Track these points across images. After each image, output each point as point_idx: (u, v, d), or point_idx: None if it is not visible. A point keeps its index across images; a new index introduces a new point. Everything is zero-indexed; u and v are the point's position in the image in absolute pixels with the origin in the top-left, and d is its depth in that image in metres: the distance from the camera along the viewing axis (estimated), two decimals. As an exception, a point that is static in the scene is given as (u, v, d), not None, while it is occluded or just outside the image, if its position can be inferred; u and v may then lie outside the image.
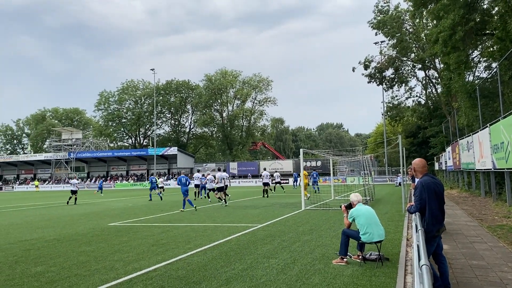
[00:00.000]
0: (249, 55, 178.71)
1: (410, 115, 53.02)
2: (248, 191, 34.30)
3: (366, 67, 47.27)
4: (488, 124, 15.64)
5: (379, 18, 43.84)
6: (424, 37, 40.68)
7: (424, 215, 4.93)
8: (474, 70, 32.81)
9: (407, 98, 51.63)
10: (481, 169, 17.82)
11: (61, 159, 70.72)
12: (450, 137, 32.43)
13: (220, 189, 19.89)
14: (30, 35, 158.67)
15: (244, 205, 19.35)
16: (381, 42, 48.27)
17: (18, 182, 74.14)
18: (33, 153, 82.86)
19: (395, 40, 44.32)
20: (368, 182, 20.98)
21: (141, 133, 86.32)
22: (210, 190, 20.85)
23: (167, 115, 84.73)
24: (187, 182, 17.63)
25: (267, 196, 25.09)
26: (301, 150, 17.26)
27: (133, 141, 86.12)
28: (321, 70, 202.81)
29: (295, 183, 40.02)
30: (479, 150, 17.67)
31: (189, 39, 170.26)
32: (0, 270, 6.85)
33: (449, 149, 30.60)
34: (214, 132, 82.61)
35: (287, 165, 61.66)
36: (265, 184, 25.68)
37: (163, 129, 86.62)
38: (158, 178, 37.12)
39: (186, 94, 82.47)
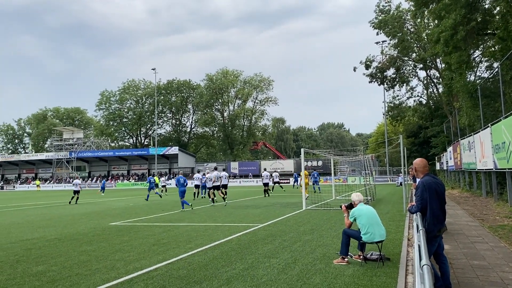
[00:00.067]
0: (249, 55, 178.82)
1: (411, 115, 52.98)
2: (249, 191, 34.31)
3: (367, 66, 47.24)
4: (489, 124, 15.62)
5: (380, 17, 43.82)
6: (426, 37, 40.67)
7: (425, 215, 4.93)
8: (475, 70, 32.77)
9: (408, 98, 51.65)
10: (483, 169, 17.80)
11: (62, 159, 70.82)
12: (451, 137, 32.39)
13: (216, 188, 19.94)
14: (31, 35, 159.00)
15: (245, 204, 19.36)
16: (383, 41, 48.25)
17: (19, 181, 74.26)
18: (34, 152, 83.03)
19: (396, 40, 44.28)
20: (369, 182, 20.96)
21: (142, 132, 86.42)
22: (210, 189, 20.87)
23: (168, 114, 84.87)
24: (185, 183, 17.88)
25: (268, 195, 25.22)
26: (302, 150, 17.25)
27: (134, 141, 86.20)
28: (322, 70, 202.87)
29: (295, 183, 40.04)
30: (480, 150, 17.64)
31: (190, 39, 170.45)
32: (2, 270, 6.86)
33: (450, 149, 30.56)
34: (215, 132, 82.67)
35: (288, 165, 61.65)
36: (265, 184, 26.00)
37: (164, 128, 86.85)
38: (159, 178, 37.19)
39: (187, 94, 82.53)
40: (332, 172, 23.22)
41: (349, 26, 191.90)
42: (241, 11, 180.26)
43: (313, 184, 27.69)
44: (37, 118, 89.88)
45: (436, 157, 43.27)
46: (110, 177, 70.56)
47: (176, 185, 17.89)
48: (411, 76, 49.46)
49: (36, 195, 40.15)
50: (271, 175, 28.45)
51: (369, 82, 49.08)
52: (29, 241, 9.82)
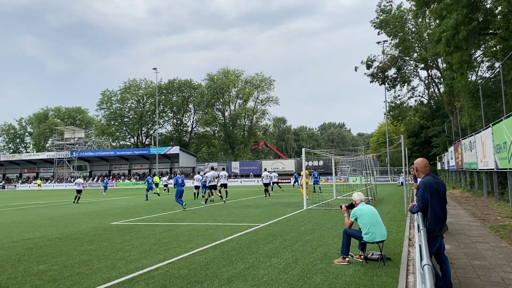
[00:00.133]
0: (250, 54, 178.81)
1: (413, 115, 52.93)
2: (250, 191, 34.31)
3: (368, 66, 47.21)
4: (490, 124, 15.59)
5: (381, 17, 43.78)
6: (427, 37, 40.62)
7: (426, 215, 4.92)
8: (477, 69, 32.69)
9: (409, 98, 51.63)
10: (484, 169, 17.77)
11: (63, 158, 70.92)
12: (452, 137, 32.35)
13: (213, 188, 19.89)
14: (32, 35, 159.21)
15: (246, 204, 19.36)
16: (384, 41, 48.26)
17: (20, 181, 74.38)
18: (36, 152, 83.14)
19: (397, 40, 44.24)
20: (370, 182, 20.96)
21: (143, 132, 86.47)
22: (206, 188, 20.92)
23: (169, 114, 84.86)
24: (183, 183, 17.98)
25: (269, 195, 25.27)
26: (303, 149, 17.24)
27: (135, 140, 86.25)
28: (322, 69, 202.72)
29: (295, 183, 40.05)
30: (481, 150, 17.62)
31: (190, 38, 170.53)
32: (3, 269, 6.87)
33: (451, 149, 30.53)
34: (216, 132, 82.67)
35: (289, 164, 61.65)
36: (266, 184, 26.13)
37: (165, 128, 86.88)
38: (160, 178, 37.24)
39: (188, 93, 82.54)
40: (333, 172, 23.21)
41: (350, 26, 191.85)
42: (241, 11, 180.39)
43: (313, 184, 27.70)
44: (38, 117, 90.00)
45: (437, 157, 43.21)
46: (111, 176, 70.62)
47: (175, 185, 17.95)
48: (412, 76, 49.45)
49: (37, 195, 40.21)
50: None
51: (370, 82, 49.11)
52: (30, 240, 9.83)
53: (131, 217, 14.74)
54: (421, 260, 3.19)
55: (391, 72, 48.23)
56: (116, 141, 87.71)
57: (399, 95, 51.48)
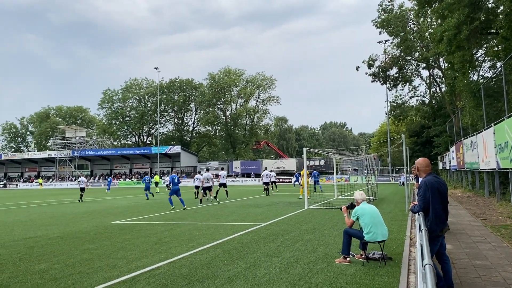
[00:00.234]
0: (252, 54, 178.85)
1: (414, 115, 52.88)
2: (251, 190, 34.32)
3: (370, 66, 47.19)
4: (492, 124, 15.57)
5: (383, 17, 43.73)
6: (429, 36, 40.55)
7: (427, 214, 4.91)
8: (478, 69, 32.64)
9: (411, 98, 51.61)
10: (485, 169, 17.75)
11: (65, 157, 71.05)
12: (454, 137, 32.31)
13: (208, 189, 19.81)
14: (35, 33, 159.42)
15: (247, 203, 19.37)
16: (385, 41, 48.20)
17: (22, 179, 74.51)
18: (37, 151, 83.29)
19: (399, 39, 44.18)
20: (371, 182, 20.94)
21: (144, 131, 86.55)
22: (201, 188, 20.82)
23: (170, 113, 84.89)
24: (179, 181, 18.16)
25: (268, 195, 25.46)
26: (304, 149, 17.23)
27: (137, 140, 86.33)
28: (324, 69, 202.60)
29: (296, 182, 40.10)
30: (483, 149, 17.59)
31: (192, 37, 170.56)
32: (4, 267, 6.89)
33: (453, 148, 30.49)
34: (217, 131, 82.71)
35: (290, 164, 61.63)
36: (266, 183, 26.28)
37: (166, 127, 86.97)
38: (161, 177, 37.28)
39: (190, 93, 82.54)
40: (334, 171, 23.20)
41: (353, 26, 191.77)
42: (243, 10, 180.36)
43: (314, 184, 27.72)
44: (40, 116, 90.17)
45: (438, 157, 43.17)
46: (112, 175, 70.71)
47: (168, 185, 18.02)
48: (414, 75, 49.40)
49: (38, 194, 40.27)
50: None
51: (372, 81, 49.12)
52: (32, 239, 9.85)
53: (132, 216, 14.76)
54: (423, 259, 3.19)
55: (393, 71, 48.24)
56: (118, 140, 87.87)
57: (400, 95, 51.51)
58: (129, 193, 34.80)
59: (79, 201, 24.60)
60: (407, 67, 48.21)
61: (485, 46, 28.49)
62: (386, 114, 55.40)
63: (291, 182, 48.88)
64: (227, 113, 78.65)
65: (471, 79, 27.29)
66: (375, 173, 24.88)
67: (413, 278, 5.64)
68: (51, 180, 71.99)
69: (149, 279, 5.89)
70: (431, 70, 46.86)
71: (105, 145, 78.06)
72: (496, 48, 25.97)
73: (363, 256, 6.64)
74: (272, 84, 77.81)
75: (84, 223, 13.06)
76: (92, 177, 71.07)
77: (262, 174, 27.26)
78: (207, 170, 21.71)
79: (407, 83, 49.16)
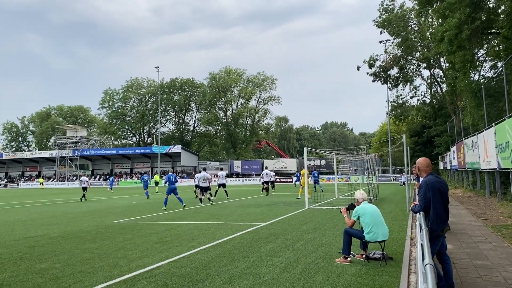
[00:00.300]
0: (253, 53, 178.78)
1: (415, 114, 52.86)
2: (252, 190, 34.32)
3: (370, 65, 47.15)
4: (493, 124, 15.56)
5: (384, 16, 43.68)
6: (429, 36, 40.50)
7: (428, 214, 4.91)
8: (479, 69, 32.63)
9: (411, 97, 51.55)
10: (486, 169, 17.74)
11: (65, 157, 71.09)
12: (455, 137, 32.29)
13: (204, 189, 19.72)
14: (35, 33, 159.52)
15: (247, 203, 19.37)
16: (386, 41, 48.17)
17: (23, 179, 74.58)
18: (38, 150, 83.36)
19: (400, 39, 44.13)
20: (372, 181, 20.93)
21: (145, 131, 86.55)
22: (198, 188, 20.74)
23: (171, 113, 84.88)
24: (176, 180, 18.10)
25: (267, 194, 25.52)
26: (305, 149, 17.23)
27: (137, 139, 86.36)
28: (325, 69, 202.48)
29: (296, 182, 40.16)
30: (484, 149, 17.58)
31: (193, 37, 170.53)
32: (5, 267, 6.89)
33: (454, 148, 30.47)
34: (218, 131, 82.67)
35: (291, 164, 61.62)
36: (266, 182, 26.40)
37: (167, 127, 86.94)
38: (162, 176, 37.26)
39: (190, 92, 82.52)
40: (335, 171, 23.19)
41: (354, 25, 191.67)
42: (244, 9, 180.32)
43: (314, 183, 27.74)
44: (40, 116, 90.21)
45: (439, 157, 43.15)
46: (113, 175, 70.76)
47: (166, 182, 18.01)
48: (415, 75, 49.35)
49: (39, 193, 40.31)
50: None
51: (373, 81, 49.07)
52: (33, 239, 9.86)
53: (133, 216, 14.77)
54: (423, 259, 3.19)
55: (394, 71, 48.21)
56: (118, 139, 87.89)
57: (401, 95, 51.47)
58: (130, 193, 34.82)
59: (81, 200, 24.71)
60: (408, 67, 48.18)
61: (486, 46, 28.48)
62: (387, 114, 55.39)
63: (291, 181, 48.89)
64: (228, 113, 78.66)
65: (472, 79, 27.28)
66: (375, 173, 24.88)
67: (413, 278, 5.64)
68: (51, 179, 72.06)
69: (149, 278, 5.89)
70: (432, 70, 46.84)
71: (106, 144, 78.08)
72: (497, 48, 25.95)
73: (364, 256, 6.64)
74: (273, 83, 77.82)
75: (84, 222, 13.06)
76: (93, 177, 71.11)
77: (262, 173, 27.30)
78: (204, 169, 21.71)
79: (408, 83, 49.12)
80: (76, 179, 66.71)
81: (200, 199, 19.61)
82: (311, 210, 14.95)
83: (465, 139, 23.78)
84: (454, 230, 9.62)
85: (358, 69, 48.49)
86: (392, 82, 49.11)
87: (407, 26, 43.55)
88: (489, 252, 7.37)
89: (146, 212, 16.24)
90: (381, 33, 44.51)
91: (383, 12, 44.11)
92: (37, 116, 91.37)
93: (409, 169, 16.26)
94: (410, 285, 5.38)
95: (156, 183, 37.06)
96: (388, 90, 50.98)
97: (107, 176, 65.28)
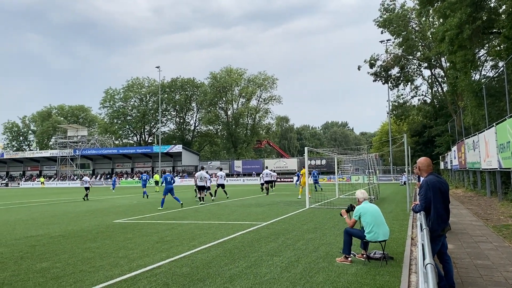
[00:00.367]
0: (253, 53, 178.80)
1: (416, 114, 52.82)
2: (252, 189, 34.32)
3: (371, 65, 47.14)
4: (494, 124, 15.54)
5: (385, 16, 43.64)
6: (430, 36, 40.46)
7: (429, 214, 4.91)
8: (480, 69, 32.60)
9: (412, 97, 51.56)
10: (487, 169, 17.72)
11: (66, 156, 71.16)
12: (455, 136, 32.26)
13: (201, 189, 19.68)
14: (36, 33, 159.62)
15: (248, 203, 19.37)
16: (387, 40, 48.14)
17: (24, 178, 74.66)
18: (39, 150, 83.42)
19: (401, 39, 44.09)
20: (372, 181, 20.93)
21: (146, 130, 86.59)
22: (197, 188, 20.67)
23: (172, 112, 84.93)
24: (172, 181, 18.11)
25: (267, 194, 25.60)
26: (306, 148, 17.24)
27: (138, 139, 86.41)
28: (325, 68, 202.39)
29: (297, 182, 40.21)
30: (485, 149, 17.56)
31: (194, 37, 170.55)
32: (6, 266, 6.91)
33: (454, 148, 30.45)
34: (219, 130, 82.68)
35: (291, 163, 61.62)
36: (266, 182, 26.59)
37: (168, 126, 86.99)
38: (161, 176, 37.28)
39: (191, 92, 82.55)
40: (336, 171, 23.19)
41: (354, 25, 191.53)
42: (245, 9, 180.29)
43: (314, 183, 27.75)
44: (41, 115, 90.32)
45: (440, 156, 43.12)
46: (114, 174, 70.81)
47: (163, 183, 18.01)
48: (416, 75, 49.31)
49: (40, 192, 40.35)
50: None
51: (374, 81, 49.08)
52: (34, 238, 9.87)
53: (133, 215, 14.78)
54: (424, 259, 3.19)
55: (394, 71, 48.20)
56: (119, 139, 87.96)
57: (402, 94, 51.43)
58: (131, 192, 34.84)
59: (83, 199, 24.86)
60: (408, 67, 48.15)
61: (487, 45, 28.45)
62: (387, 113, 55.39)
63: (292, 181, 48.89)
64: (229, 113, 78.68)
65: (473, 78, 27.25)
66: (376, 173, 24.87)
67: (414, 277, 5.64)
68: (52, 179, 72.12)
69: (150, 278, 5.90)
70: (432, 70, 46.78)
71: (107, 144, 78.11)
72: (498, 47, 25.92)
73: (364, 255, 6.64)
74: (274, 83, 77.80)
75: (85, 222, 13.08)
76: (94, 176, 71.15)
77: (262, 172, 27.35)
78: (202, 168, 21.67)
79: (409, 83, 49.10)
80: (77, 179, 66.77)
81: (199, 198, 19.56)
82: (312, 210, 14.95)
83: (466, 139, 23.76)
84: (454, 230, 9.62)
85: (359, 68, 48.55)
86: (393, 82, 49.11)
87: (408, 25, 43.50)
88: (490, 252, 7.37)
89: (147, 211, 16.25)
90: (382, 32, 44.51)
91: (384, 12, 44.07)
92: (38, 116, 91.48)
93: (410, 169, 16.25)
94: (411, 284, 5.38)
95: (156, 182, 37.12)
96: (389, 89, 50.97)
97: (108, 176, 65.31)
